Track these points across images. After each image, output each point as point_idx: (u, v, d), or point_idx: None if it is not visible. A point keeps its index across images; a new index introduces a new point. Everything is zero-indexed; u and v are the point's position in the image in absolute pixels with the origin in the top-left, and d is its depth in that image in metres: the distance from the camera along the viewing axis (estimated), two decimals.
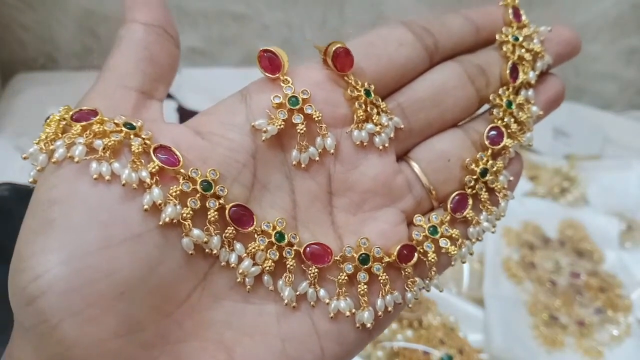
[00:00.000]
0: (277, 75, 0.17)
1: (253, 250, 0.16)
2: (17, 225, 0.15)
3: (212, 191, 0.16)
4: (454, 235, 0.18)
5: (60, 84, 0.58)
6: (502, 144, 0.19)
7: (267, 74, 0.17)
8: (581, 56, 0.70)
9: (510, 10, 0.20)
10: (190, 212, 0.15)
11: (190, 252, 0.15)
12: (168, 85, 0.18)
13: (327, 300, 0.17)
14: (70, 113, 0.16)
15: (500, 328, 0.39)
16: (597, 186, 0.51)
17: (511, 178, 0.20)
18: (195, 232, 0.15)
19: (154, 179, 0.15)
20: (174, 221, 0.15)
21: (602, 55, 0.62)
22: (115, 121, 0.16)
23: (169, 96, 0.55)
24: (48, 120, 0.16)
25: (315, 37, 0.62)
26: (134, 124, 0.16)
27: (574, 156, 0.55)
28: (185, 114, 0.53)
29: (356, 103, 0.18)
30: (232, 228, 0.16)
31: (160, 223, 0.15)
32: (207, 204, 0.16)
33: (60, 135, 0.15)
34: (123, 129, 0.15)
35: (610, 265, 0.45)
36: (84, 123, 0.15)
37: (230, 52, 0.62)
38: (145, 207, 0.15)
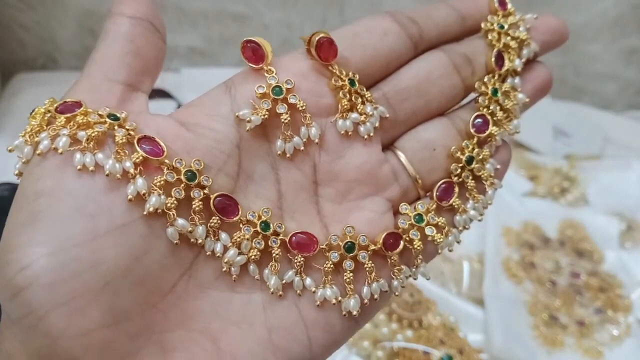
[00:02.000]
0: (260, 65, 0.17)
1: (238, 239, 0.16)
2: (6, 221, 0.15)
3: (196, 181, 0.16)
4: (440, 223, 0.18)
5: (60, 84, 0.57)
6: (487, 132, 0.19)
7: (250, 65, 0.17)
8: (581, 56, 0.71)
9: None
10: (175, 201, 0.15)
11: (175, 241, 0.15)
12: (154, 78, 0.18)
13: (314, 289, 0.17)
14: (55, 105, 0.16)
15: (500, 328, 0.39)
16: (597, 186, 0.51)
17: (498, 166, 0.20)
18: (180, 221, 0.15)
19: (138, 169, 0.15)
20: (159, 211, 0.15)
21: (602, 55, 0.62)
22: (100, 112, 0.16)
23: (169, 96, 0.55)
24: (33, 113, 0.16)
25: None
26: (118, 115, 0.16)
27: (574, 156, 0.55)
28: None
29: (340, 92, 0.18)
30: (217, 218, 0.16)
31: (145, 213, 0.15)
32: (191, 194, 0.16)
33: (45, 127, 0.15)
34: (107, 120, 0.15)
35: (610, 265, 0.45)
36: (68, 115, 0.15)
37: (230, 52, 0.62)
38: (130, 197, 0.15)
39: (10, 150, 0.16)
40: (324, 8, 0.60)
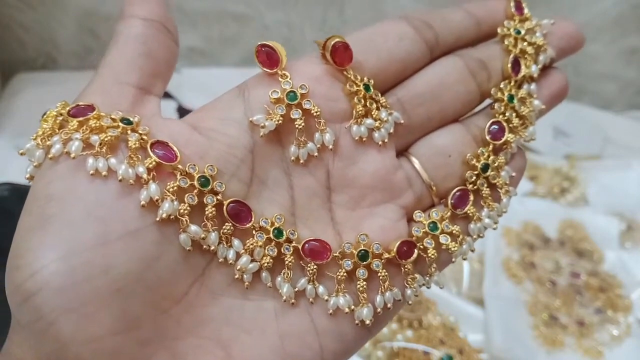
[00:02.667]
0: (275, 70, 0.17)
1: (251, 246, 0.16)
2: (17, 225, 0.15)
3: (209, 187, 0.15)
4: (454, 231, 0.18)
5: (60, 84, 0.58)
6: (503, 139, 0.19)
7: (265, 69, 0.17)
8: (581, 56, 0.71)
9: (512, 3, 0.20)
10: (188, 208, 0.15)
11: (188, 248, 0.15)
12: (166, 81, 0.18)
13: (326, 297, 0.16)
14: (67, 108, 0.16)
15: (500, 328, 0.39)
16: (597, 186, 0.51)
17: (513, 174, 0.19)
18: (193, 228, 0.15)
19: (151, 174, 0.15)
20: (171, 217, 0.15)
21: (602, 55, 0.62)
22: (112, 116, 0.15)
23: (169, 96, 0.55)
24: (45, 116, 0.16)
25: (316, 36, 0.62)
26: (131, 119, 0.15)
27: (574, 156, 0.55)
28: (185, 114, 0.53)
29: (355, 98, 0.17)
30: (230, 224, 0.16)
31: (157, 219, 0.15)
32: (204, 200, 0.16)
33: (57, 130, 0.15)
34: (120, 124, 0.15)
35: (610, 265, 0.45)
36: (80, 118, 0.15)
37: (230, 52, 0.62)
38: (142, 202, 0.15)
39: (21, 154, 0.16)
40: (324, 8, 0.60)
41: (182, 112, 0.54)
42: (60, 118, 0.15)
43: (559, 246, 0.45)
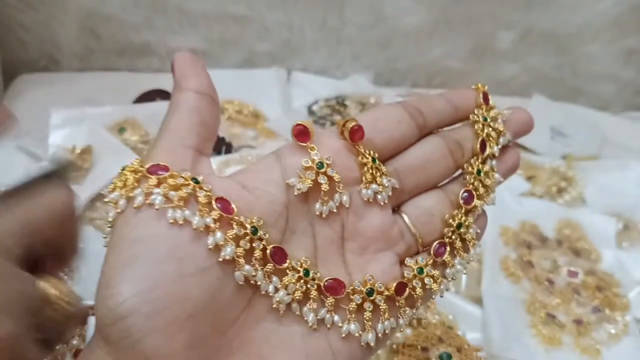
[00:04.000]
0: (307, 143, 0.21)
1: (286, 282, 0.20)
2: (105, 261, 0.18)
3: (258, 235, 0.19)
4: (435, 275, 0.23)
5: (62, 85, 0.58)
6: (472, 204, 0.24)
7: (299, 142, 0.22)
8: (579, 57, 0.71)
9: (481, 95, 0.25)
10: (243, 251, 0.19)
11: (241, 282, 0.19)
12: (213, 142, 0.22)
13: (340, 324, 0.21)
14: (146, 166, 0.19)
15: (499, 326, 0.39)
16: (595, 186, 0.52)
17: (478, 230, 0.24)
18: (247, 267, 0.19)
19: (216, 224, 0.19)
20: (230, 258, 0.19)
21: (600, 55, 0.63)
22: (183, 175, 0.19)
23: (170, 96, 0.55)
24: (122, 170, 0.19)
25: (316, 38, 0.62)
26: (198, 178, 0.19)
27: (572, 156, 0.55)
28: None
29: (365, 167, 0.22)
30: (272, 264, 0.20)
31: (220, 259, 0.18)
32: (253, 245, 0.19)
33: (137, 184, 0.19)
34: (190, 182, 0.19)
35: (608, 264, 0.45)
36: (158, 177, 0.19)
37: (231, 53, 0.62)
38: (210, 246, 0.18)
39: (105, 202, 0.20)
40: (324, 9, 0.60)
41: None
42: (139, 174, 0.19)
43: (556, 245, 0.46)
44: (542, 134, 0.57)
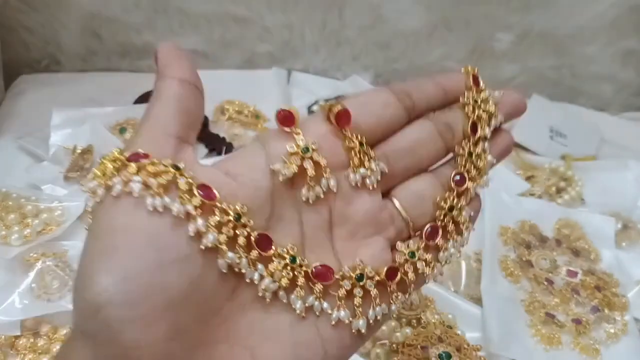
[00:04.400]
0: (291, 128, 0.21)
1: (272, 270, 0.20)
2: (83, 250, 0.18)
3: (241, 221, 0.19)
4: (427, 259, 0.22)
5: (64, 86, 0.58)
6: (464, 186, 0.23)
7: (283, 127, 0.21)
8: (578, 58, 0.71)
9: (470, 77, 0.25)
10: (226, 238, 0.18)
11: (224, 271, 0.19)
12: (197, 131, 0.21)
13: (330, 311, 0.20)
14: (126, 154, 0.19)
15: (498, 326, 0.39)
16: (594, 186, 0.52)
17: (472, 213, 0.24)
18: (230, 254, 0.19)
19: (197, 211, 0.18)
20: (212, 245, 0.18)
21: (598, 56, 0.63)
22: (164, 162, 0.19)
23: None
24: (102, 160, 0.19)
25: (316, 39, 0.62)
26: (179, 165, 0.19)
27: (571, 156, 0.55)
28: None
29: (352, 152, 0.22)
30: (257, 252, 0.19)
31: (202, 247, 0.18)
32: (237, 232, 0.19)
33: (116, 173, 0.18)
34: (171, 169, 0.18)
35: (607, 264, 0.45)
36: (138, 164, 0.18)
37: (231, 54, 0.62)
38: (191, 234, 0.18)
39: (84, 191, 0.19)
40: (324, 11, 0.60)
41: None
42: (119, 163, 0.18)
43: (555, 245, 0.46)
44: (541, 134, 0.57)
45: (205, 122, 0.52)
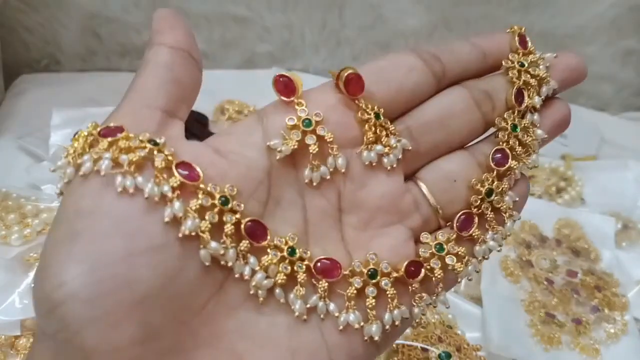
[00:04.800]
0: (291, 98, 0.18)
1: (266, 263, 0.17)
2: (46, 238, 0.16)
3: (229, 206, 0.16)
4: (460, 253, 0.19)
5: (64, 85, 0.58)
6: (507, 166, 0.19)
7: (282, 97, 0.18)
8: None
9: (516, 38, 0.21)
10: (209, 225, 0.16)
11: (207, 263, 0.16)
12: (190, 105, 0.18)
13: (337, 314, 0.17)
14: (98, 129, 0.16)
15: (498, 326, 0.39)
16: (594, 186, 0.52)
17: (517, 199, 0.20)
18: (213, 244, 0.16)
19: (175, 193, 0.15)
20: (193, 234, 0.16)
21: (598, 56, 0.63)
22: (140, 138, 0.16)
23: None
24: (76, 136, 0.16)
25: (316, 39, 0.62)
26: (158, 140, 0.16)
27: (571, 156, 0.55)
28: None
29: (366, 125, 0.18)
30: (247, 242, 0.17)
31: (180, 235, 0.15)
32: (224, 218, 0.16)
33: (87, 150, 0.16)
34: (147, 145, 0.16)
35: (607, 264, 0.45)
36: (110, 139, 0.16)
37: (231, 54, 0.62)
38: (166, 219, 0.15)
39: (53, 171, 0.16)
40: (324, 11, 0.60)
41: None
42: (91, 138, 0.16)
43: (555, 245, 0.46)
44: None
45: (205, 122, 0.52)
